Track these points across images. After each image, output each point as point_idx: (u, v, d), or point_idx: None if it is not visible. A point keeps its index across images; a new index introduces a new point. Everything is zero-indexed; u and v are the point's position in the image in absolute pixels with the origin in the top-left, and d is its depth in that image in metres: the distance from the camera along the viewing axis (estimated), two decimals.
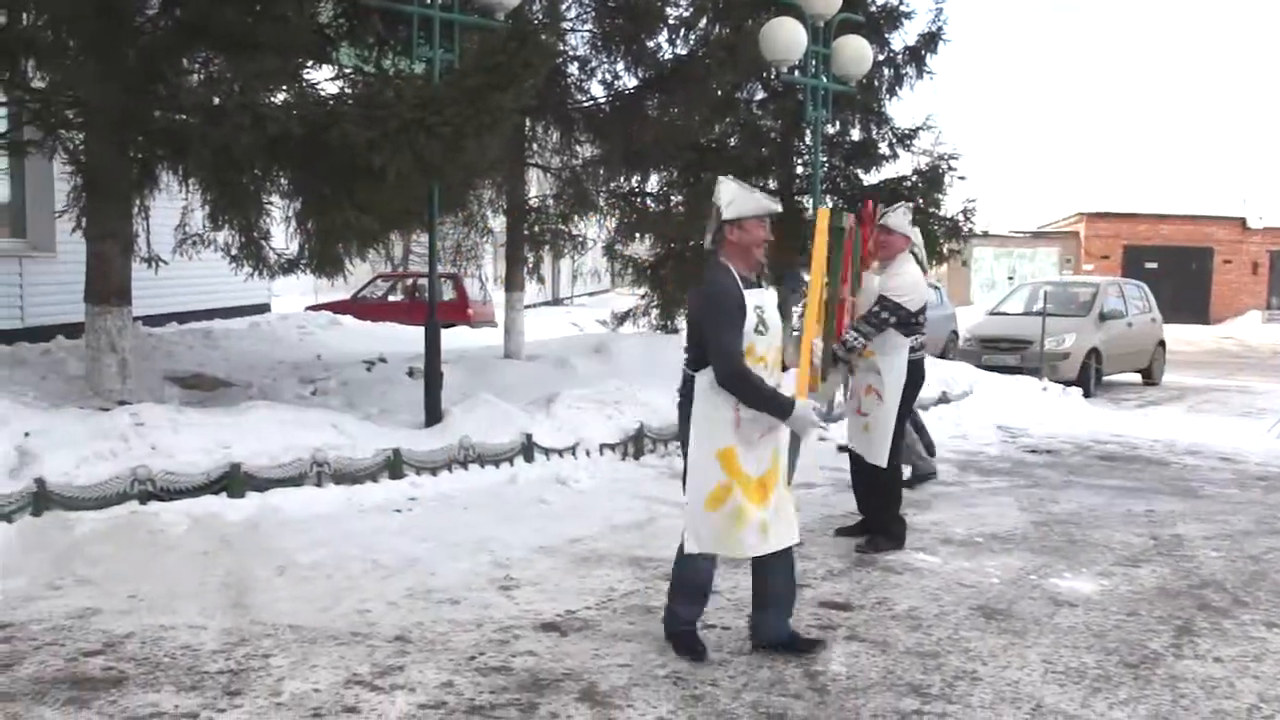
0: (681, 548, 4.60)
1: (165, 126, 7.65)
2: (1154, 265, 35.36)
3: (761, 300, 4.52)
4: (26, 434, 6.52)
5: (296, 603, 5.15)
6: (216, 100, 7.29)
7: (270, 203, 8.98)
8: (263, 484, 6.90)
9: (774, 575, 4.66)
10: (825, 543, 6.57)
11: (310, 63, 8.77)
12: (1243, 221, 37.62)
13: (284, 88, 7.95)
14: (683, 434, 4.60)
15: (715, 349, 4.40)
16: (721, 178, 4.66)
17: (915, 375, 6.52)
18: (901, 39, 14.63)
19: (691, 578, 4.63)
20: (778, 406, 4.38)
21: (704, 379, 4.45)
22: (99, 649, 4.49)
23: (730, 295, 4.40)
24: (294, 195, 8.58)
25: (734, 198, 4.53)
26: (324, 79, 9.41)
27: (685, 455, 4.55)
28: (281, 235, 9.96)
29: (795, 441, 4.99)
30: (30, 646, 4.49)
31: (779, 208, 4.68)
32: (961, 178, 14.41)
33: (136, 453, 6.67)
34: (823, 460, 9.17)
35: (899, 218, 6.52)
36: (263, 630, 4.76)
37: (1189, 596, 5.63)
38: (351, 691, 4.14)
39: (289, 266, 9.75)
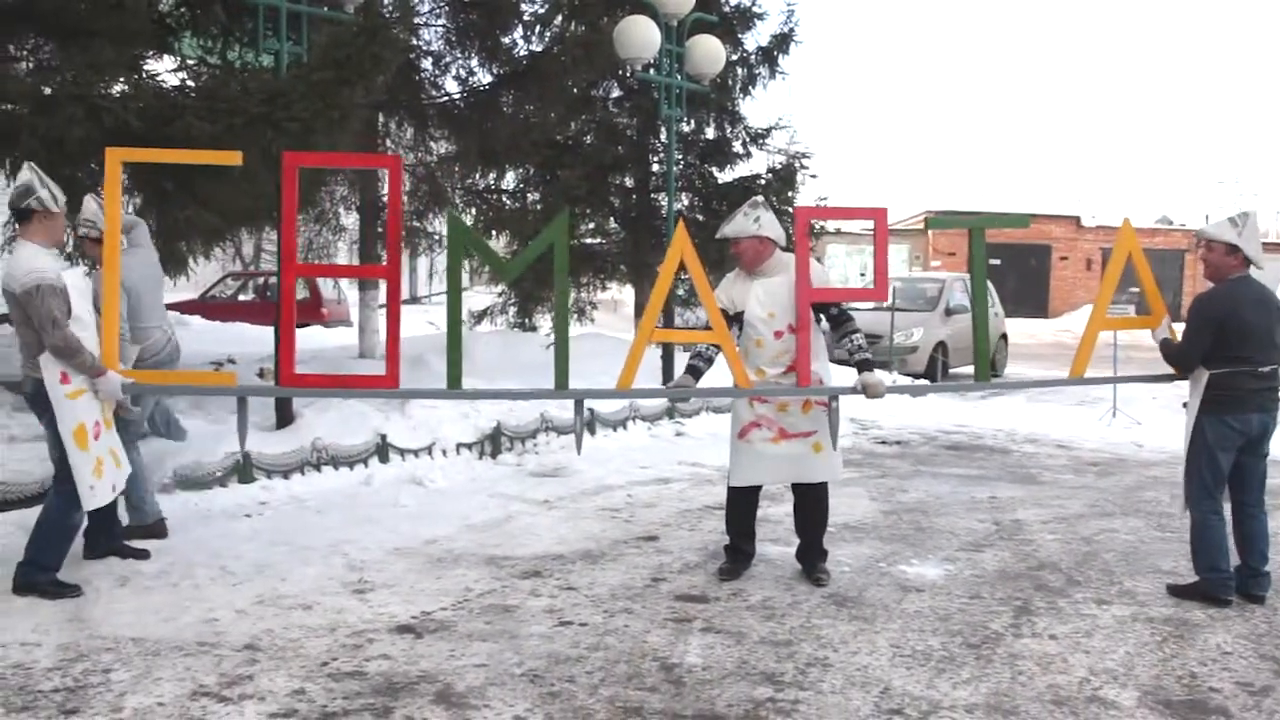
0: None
1: None
2: (997, 262, 36.66)
3: None
4: None
5: (139, 614, 4.96)
6: (47, 90, 6.96)
7: None
8: None
9: None
10: (682, 536, 6.64)
11: (150, 53, 8.45)
12: (1077, 220, 39.44)
13: (121, 78, 7.63)
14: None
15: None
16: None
17: None
18: (755, 39, 14.87)
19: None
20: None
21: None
22: None
23: None
24: (133, 190, 8.26)
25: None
26: (165, 70, 9.08)
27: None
28: None
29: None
30: None
31: None
32: (814, 176, 14.77)
33: None
34: (680, 456, 9.28)
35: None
36: (103, 644, 4.58)
37: (1027, 578, 5.88)
38: (198, 703, 4.01)
39: None
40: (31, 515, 6.18)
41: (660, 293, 5.92)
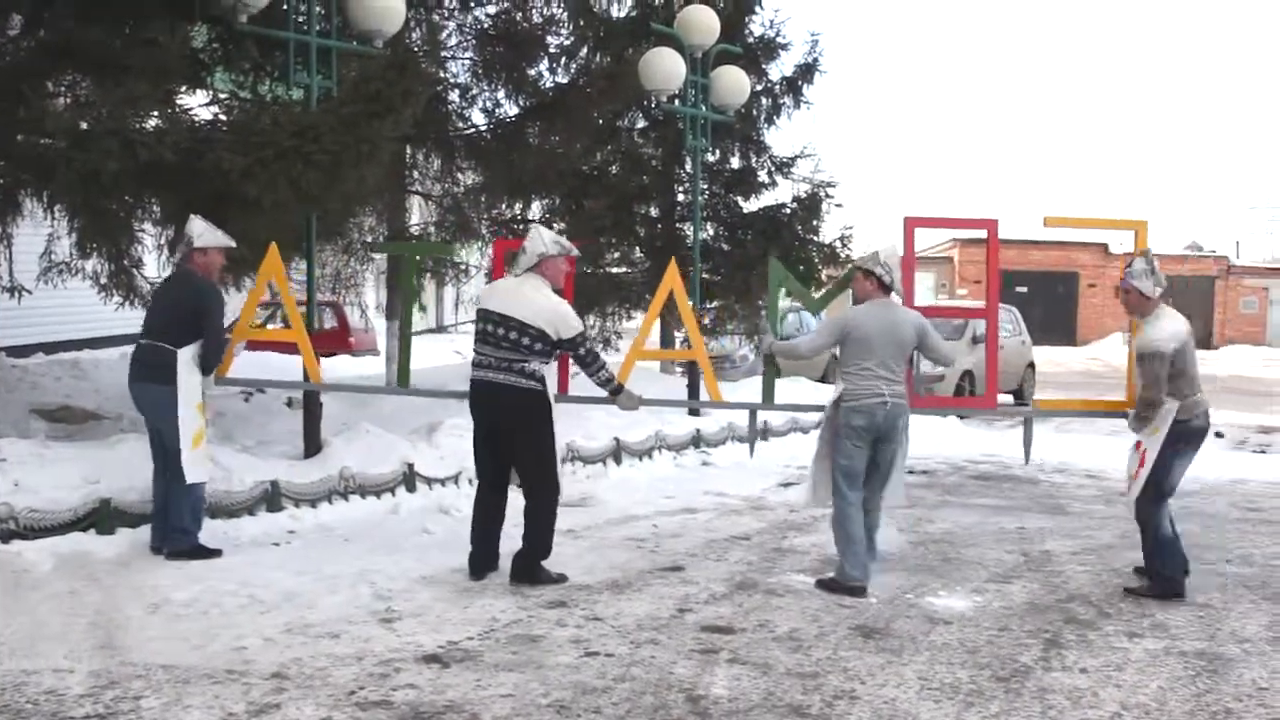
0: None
1: (29, 151, 7.40)
2: (1024, 289, 36.57)
3: None
4: None
5: (169, 641, 5.00)
6: (84, 125, 7.09)
7: (142, 230, 8.76)
8: (134, 520, 6.69)
9: None
10: (708, 567, 6.63)
11: (183, 87, 8.59)
12: (1105, 247, 39.26)
13: (155, 113, 7.76)
14: (161, 396, 6.38)
15: (215, 332, 6.60)
16: (193, 216, 6.67)
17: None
18: (779, 70, 14.96)
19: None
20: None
21: (186, 353, 6.41)
22: None
23: (221, 295, 6.73)
24: (167, 223, 8.39)
25: (204, 231, 6.61)
26: (198, 104, 9.22)
27: (169, 410, 6.33)
28: (154, 263, 9.72)
29: None
30: None
31: (234, 243, 6.76)
32: (839, 205, 14.78)
33: None
34: (706, 486, 9.27)
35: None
36: (133, 671, 4.61)
37: (1057, 610, 5.83)
38: None
39: None
40: (65, 543, 6.28)
41: (650, 320, 7.55)
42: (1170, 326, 6.02)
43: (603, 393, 6.53)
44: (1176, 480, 6.13)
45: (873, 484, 6.36)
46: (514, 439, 6.11)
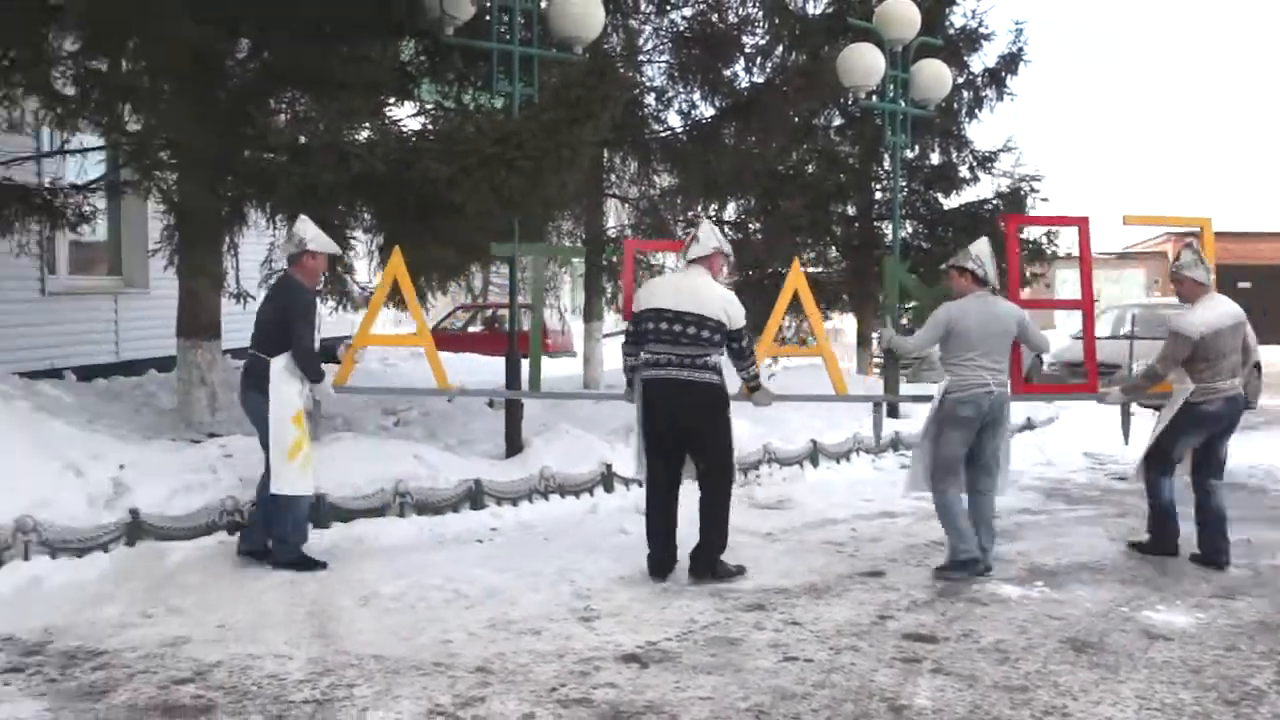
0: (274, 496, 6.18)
1: (254, 166, 7.85)
2: (1247, 285, 34.31)
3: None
4: (121, 466, 6.70)
5: (379, 633, 5.20)
6: (303, 139, 7.47)
7: (354, 237, 9.16)
8: (346, 514, 7.00)
9: None
10: (908, 573, 6.47)
11: (392, 100, 8.95)
12: None
13: (367, 125, 8.12)
14: (258, 406, 6.23)
15: (299, 338, 6.21)
16: (303, 217, 6.45)
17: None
18: (981, 61, 14.56)
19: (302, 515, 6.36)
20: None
21: (279, 361, 6.18)
22: (189, 677, 4.58)
23: (311, 301, 6.37)
24: (377, 230, 8.75)
25: (317, 235, 6.37)
26: (406, 115, 9.59)
27: (264, 420, 6.19)
28: (365, 269, 10.15)
29: None
30: (124, 674, 4.60)
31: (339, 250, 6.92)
32: (1044, 199, 14.23)
33: (225, 484, 6.83)
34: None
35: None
36: (347, 660, 4.82)
37: None
38: None
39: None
40: None
41: (775, 318, 7.86)
42: (1209, 314, 6.53)
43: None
44: (1180, 455, 6.75)
45: (983, 473, 6.55)
46: (700, 435, 6.13)
